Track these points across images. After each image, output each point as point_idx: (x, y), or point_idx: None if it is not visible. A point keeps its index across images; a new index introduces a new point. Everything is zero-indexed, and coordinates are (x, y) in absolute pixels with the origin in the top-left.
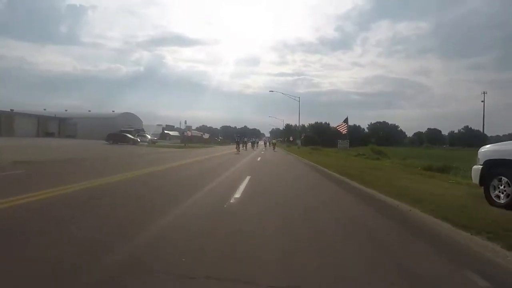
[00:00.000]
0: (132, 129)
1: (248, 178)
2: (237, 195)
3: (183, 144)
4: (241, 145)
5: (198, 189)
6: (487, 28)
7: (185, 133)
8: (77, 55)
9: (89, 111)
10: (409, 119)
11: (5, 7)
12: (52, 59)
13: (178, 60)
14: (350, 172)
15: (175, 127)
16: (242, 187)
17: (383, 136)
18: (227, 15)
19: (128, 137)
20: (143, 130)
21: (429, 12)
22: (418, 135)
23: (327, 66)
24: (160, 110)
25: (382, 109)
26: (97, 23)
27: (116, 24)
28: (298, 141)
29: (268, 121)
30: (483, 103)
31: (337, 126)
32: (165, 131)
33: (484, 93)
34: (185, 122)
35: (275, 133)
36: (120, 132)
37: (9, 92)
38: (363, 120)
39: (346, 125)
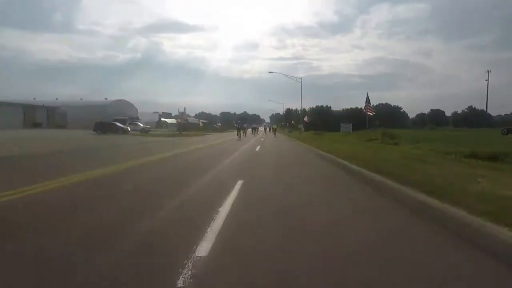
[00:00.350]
0: (126, 117)
1: (238, 186)
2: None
3: (177, 132)
4: (241, 132)
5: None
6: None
7: (178, 120)
8: (73, 43)
9: (81, 99)
10: (411, 100)
11: None
12: (48, 47)
13: (176, 47)
14: (392, 170)
15: (172, 114)
16: (222, 214)
17: (387, 118)
18: (226, 0)
19: (117, 126)
20: (138, 118)
21: None
22: (420, 116)
23: (326, 49)
24: (159, 97)
25: (383, 90)
26: (93, 10)
27: (113, 10)
28: (301, 126)
29: (268, 106)
30: (486, 82)
31: (365, 108)
32: (162, 119)
33: (488, 71)
34: (184, 109)
35: (275, 118)
36: (113, 120)
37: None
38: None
39: (369, 105)
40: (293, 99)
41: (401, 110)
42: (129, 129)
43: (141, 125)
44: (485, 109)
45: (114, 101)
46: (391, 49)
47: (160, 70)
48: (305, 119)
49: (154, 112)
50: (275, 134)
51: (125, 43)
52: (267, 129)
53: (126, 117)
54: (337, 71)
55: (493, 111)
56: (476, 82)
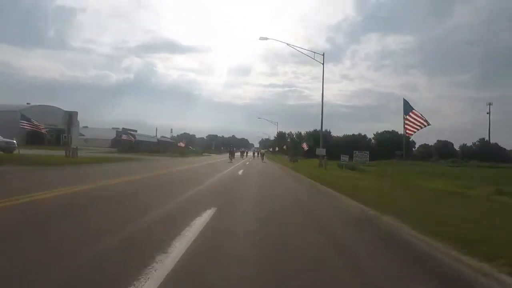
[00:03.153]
0: (42, 126)
1: None
2: None
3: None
4: (232, 155)
5: None
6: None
7: (124, 137)
8: (66, 61)
9: None
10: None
11: None
12: (40, 64)
13: (169, 68)
14: None
15: (137, 132)
16: None
17: (394, 147)
18: (219, 23)
19: None
20: (72, 131)
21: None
22: (425, 147)
23: (317, 78)
24: (150, 119)
25: (369, 122)
26: (87, 27)
27: (107, 28)
28: (323, 156)
29: (257, 130)
30: (488, 114)
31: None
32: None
33: (489, 104)
34: (171, 131)
35: (265, 143)
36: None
37: None
38: (352, 132)
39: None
40: (283, 125)
41: (410, 139)
42: None
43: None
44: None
45: (36, 106)
46: (377, 81)
47: (152, 92)
48: (304, 145)
49: (113, 128)
50: (262, 159)
51: (118, 62)
52: (255, 154)
53: (41, 126)
54: (326, 100)
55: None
56: (459, 117)
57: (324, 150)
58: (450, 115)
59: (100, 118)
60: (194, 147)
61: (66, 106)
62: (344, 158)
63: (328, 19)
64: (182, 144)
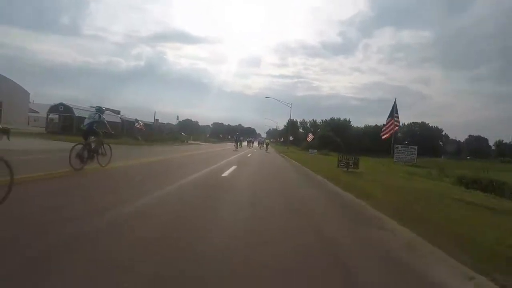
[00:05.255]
0: None
1: None
2: None
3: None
4: (238, 144)
5: None
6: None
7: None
8: (78, 47)
9: None
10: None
11: None
12: (53, 49)
13: (179, 57)
14: None
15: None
16: None
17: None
18: (231, 14)
19: None
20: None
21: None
22: (454, 143)
23: (327, 70)
24: (158, 106)
25: (380, 116)
26: (99, 16)
27: (119, 17)
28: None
29: (265, 121)
30: None
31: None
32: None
33: None
34: (177, 118)
35: (272, 133)
36: None
37: None
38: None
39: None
40: (292, 116)
41: (443, 133)
42: None
43: None
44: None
45: None
46: (390, 74)
47: (161, 79)
48: (309, 138)
49: (91, 107)
50: (266, 149)
51: (129, 50)
52: (261, 144)
53: None
54: (336, 92)
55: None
56: (473, 113)
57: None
58: (466, 110)
59: (109, 103)
60: (193, 134)
61: (77, 90)
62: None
63: (340, 12)
64: (139, 126)
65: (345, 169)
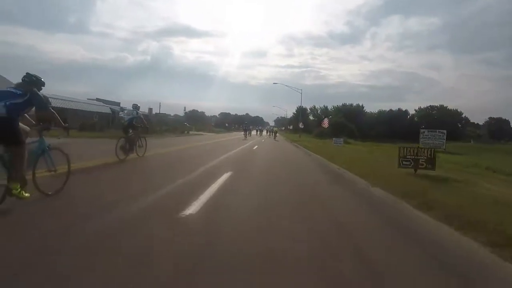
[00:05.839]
0: None
1: None
2: None
3: None
4: (247, 133)
5: None
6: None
7: None
8: (86, 44)
9: None
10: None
11: None
12: (61, 47)
13: (185, 51)
14: None
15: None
16: None
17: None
18: (235, 7)
19: None
20: None
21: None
22: (473, 125)
23: (334, 59)
24: (166, 99)
25: (389, 101)
26: (106, 13)
27: (125, 14)
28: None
29: (272, 110)
30: None
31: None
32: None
33: None
34: (184, 109)
35: (281, 122)
36: None
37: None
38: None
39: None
40: (301, 104)
41: (463, 115)
42: None
43: None
44: None
45: None
46: (399, 61)
47: (168, 73)
48: (324, 123)
49: (88, 99)
50: (275, 137)
51: (136, 45)
52: (269, 132)
53: None
54: (344, 80)
55: None
56: (484, 97)
57: None
58: (479, 93)
59: (118, 98)
60: (197, 124)
61: (86, 86)
62: None
63: (347, 1)
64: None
65: (412, 170)
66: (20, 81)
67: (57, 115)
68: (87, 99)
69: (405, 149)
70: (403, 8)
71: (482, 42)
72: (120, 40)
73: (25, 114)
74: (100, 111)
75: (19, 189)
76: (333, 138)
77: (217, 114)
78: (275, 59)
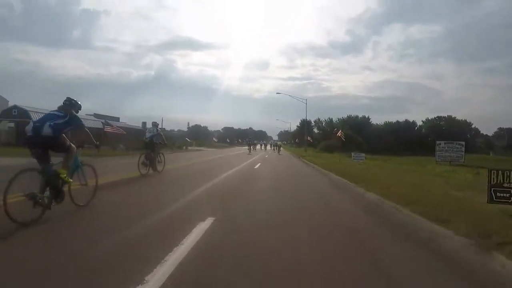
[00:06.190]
0: None
1: None
2: None
3: None
4: (251, 147)
5: None
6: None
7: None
8: (90, 60)
9: None
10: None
11: (22, 13)
12: (66, 63)
13: (188, 64)
14: None
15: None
16: None
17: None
18: (237, 19)
19: None
20: None
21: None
22: (482, 137)
23: (337, 70)
24: (170, 113)
25: (392, 113)
26: (110, 28)
27: (128, 28)
28: None
29: (275, 124)
30: None
31: None
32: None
33: None
34: (188, 124)
35: (284, 135)
36: None
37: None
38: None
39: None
40: (302, 117)
41: (472, 126)
42: None
43: None
44: None
45: None
46: (401, 71)
47: (171, 87)
48: (339, 134)
49: (87, 114)
50: (278, 152)
51: (140, 60)
52: (274, 147)
53: None
54: (346, 92)
55: None
56: (490, 106)
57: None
58: (483, 102)
59: (122, 113)
60: (198, 139)
61: (90, 102)
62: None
63: (348, 10)
64: (112, 130)
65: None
66: (60, 104)
67: (90, 134)
68: (86, 114)
69: (498, 173)
70: (404, 16)
71: (486, 49)
72: (124, 55)
73: (63, 134)
74: (94, 126)
75: (65, 175)
76: (352, 153)
77: (220, 129)
78: (277, 72)
